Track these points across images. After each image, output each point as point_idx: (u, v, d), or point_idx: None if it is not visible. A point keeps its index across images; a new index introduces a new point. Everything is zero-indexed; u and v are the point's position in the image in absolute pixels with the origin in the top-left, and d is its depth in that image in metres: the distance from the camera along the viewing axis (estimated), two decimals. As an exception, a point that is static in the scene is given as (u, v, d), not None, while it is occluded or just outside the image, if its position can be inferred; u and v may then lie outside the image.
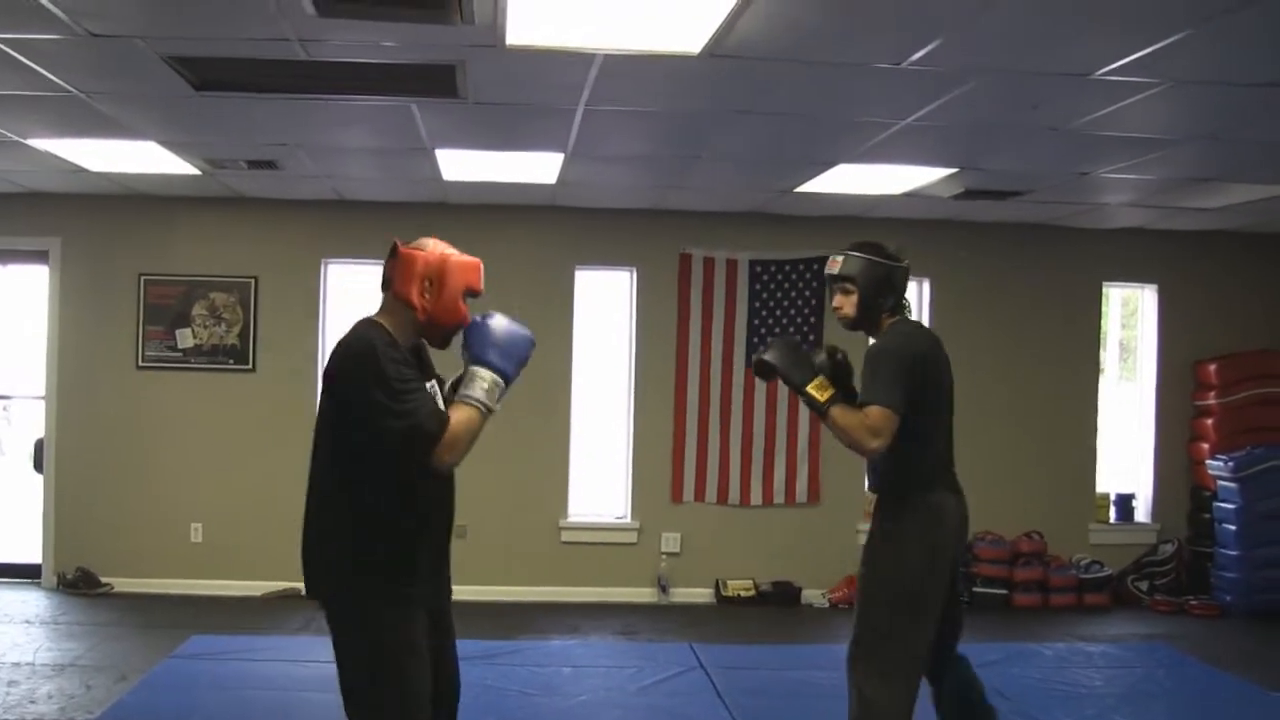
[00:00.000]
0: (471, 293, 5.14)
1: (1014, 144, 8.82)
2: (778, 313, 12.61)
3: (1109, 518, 13.43)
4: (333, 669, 8.14)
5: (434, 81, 7.24)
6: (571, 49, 6.46)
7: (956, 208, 11.71)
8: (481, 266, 5.22)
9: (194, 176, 10.77)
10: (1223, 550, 12.32)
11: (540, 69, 6.91)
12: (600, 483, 13.11)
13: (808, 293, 12.64)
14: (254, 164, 10.24)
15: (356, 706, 5.02)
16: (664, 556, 12.60)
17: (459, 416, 4.88)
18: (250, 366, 12.34)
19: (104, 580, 12.05)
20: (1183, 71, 6.68)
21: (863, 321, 6.28)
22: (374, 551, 4.97)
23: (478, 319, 5.11)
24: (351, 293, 12.65)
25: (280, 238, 12.42)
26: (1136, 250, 12.97)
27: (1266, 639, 11.45)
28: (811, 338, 12.55)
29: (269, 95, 7.76)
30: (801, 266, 12.61)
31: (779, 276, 12.62)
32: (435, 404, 4.97)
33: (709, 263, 12.59)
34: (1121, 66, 6.55)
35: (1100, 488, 13.34)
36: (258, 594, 12.13)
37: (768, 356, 6.16)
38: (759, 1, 5.55)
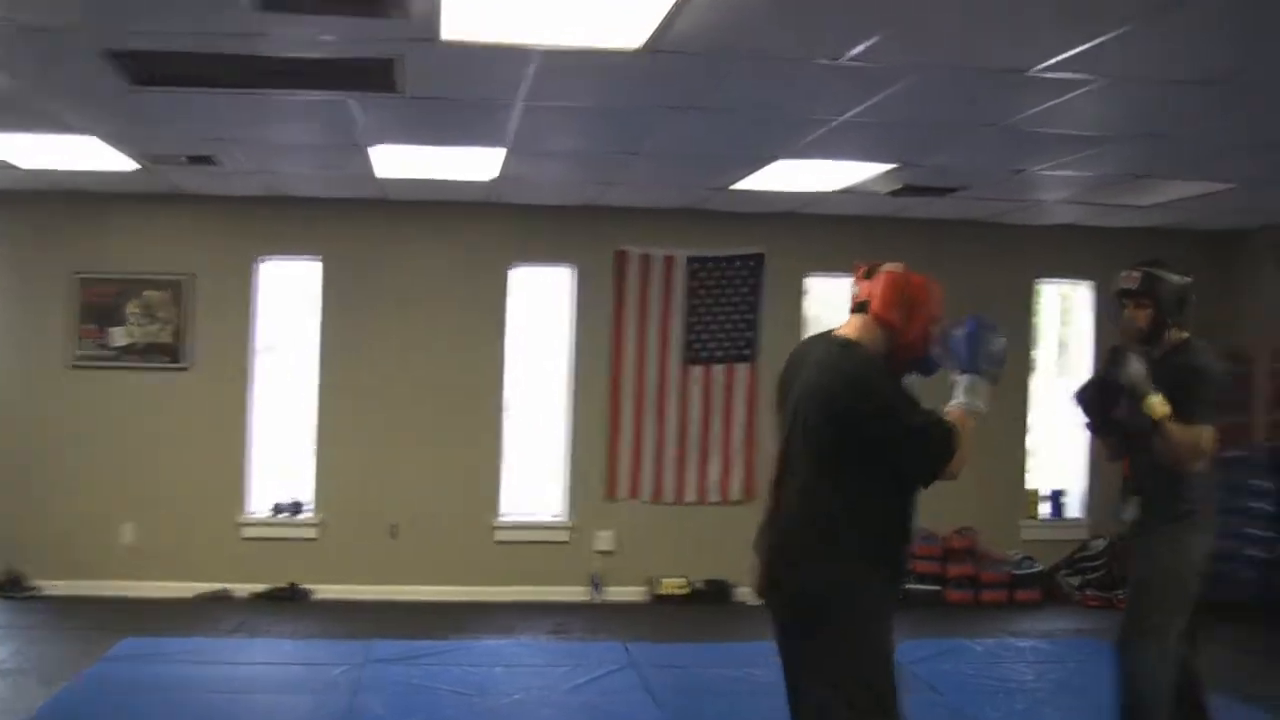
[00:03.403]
0: (934, 320, 5.31)
1: (951, 140, 8.84)
2: (714, 309, 12.62)
3: (1041, 514, 13.51)
4: (264, 670, 8.10)
5: (372, 76, 7.18)
6: (509, 44, 6.42)
7: (894, 204, 11.73)
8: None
9: (128, 173, 10.65)
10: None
11: (478, 64, 6.88)
12: (535, 481, 13.06)
13: (744, 289, 12.66)
14: (194, 159, 10.15)
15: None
16: (598, 555, 12.57)
17: (964, 425, 5.18)
18: (184, 365, 12.21)
19: (32, 583, 11.89)
20: (1119, 69, 6.70)
21: (1152, 335, 6.71)
22: (871, 553, 5.18)
23: (969, 324, 5.37)
24: (285, 290, 12.61)
25: (215, 235, 12.31)
26: (1072, 247, 13.02)
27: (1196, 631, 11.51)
28: (749, 334, 12.58)
29: (208, 90, 7.67)
30: (738, 263, 12.62)
31: (716, 273, 12.62)
32: (942, 418, 5.16)
33: (646, 260, 12.58)
34: (1058, 63, 6.56)
35: (1032, 484, 13.42)
36: (190, 595, 12.00)
37: (1127, 375, 6.49)
38: (699, -3, 5.54)
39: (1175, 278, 6.74)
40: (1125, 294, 6.76)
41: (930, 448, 5.06)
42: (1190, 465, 6.48)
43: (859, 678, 5.13)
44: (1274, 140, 8.54)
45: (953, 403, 5.23)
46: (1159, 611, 6.66)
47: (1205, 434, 6.44)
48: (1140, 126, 8.32)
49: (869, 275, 5.24)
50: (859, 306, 5.24)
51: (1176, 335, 6.75)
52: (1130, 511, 7.00)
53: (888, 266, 5.23)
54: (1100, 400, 6.84)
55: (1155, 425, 6.40)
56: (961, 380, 5.29)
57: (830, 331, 5.37)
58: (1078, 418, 7.16)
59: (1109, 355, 6.82)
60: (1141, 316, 6.71)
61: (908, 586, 5.62)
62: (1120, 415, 6.71)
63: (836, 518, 5.10)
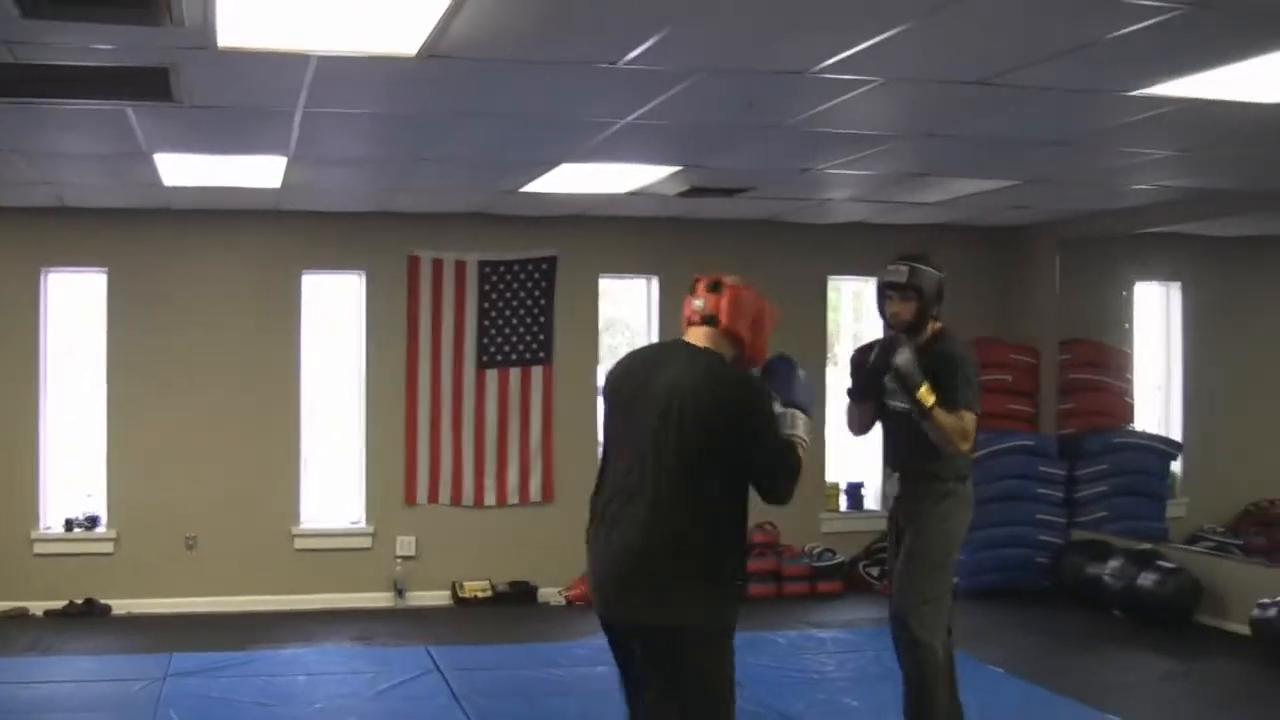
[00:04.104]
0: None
1: (735, 141, 8.93)
2: (507, 313, 12.67)
3: (839, 506, 13.72)
4: (62, 688, 7.95)
5: (148, 85, 7.05)
6: (285, 51, 6.36)
7: (683, 205, 11.83)
8: None
9: (-100, 183, 10.37)
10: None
11: (255, 71, 6.79)
12: (334, 488, 12.97)
13: (537, 292, 12.72)
14: (-36, 170, 9.89)
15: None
16: (399, 560, 12.53)
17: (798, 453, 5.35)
18: (-34, 378, 11.94)
19: None
20: (895, 69, 6.81)
21: (916, 326, 7.06)
22: (733, 573, 5.30)
23: (784, 364, 5.57)
24: (73, 303, 12.39)
25: (-3, 246, 12.02)
26: (861, 244, 13.18)
27: (991, 617, 11.78)
28: (542, 337, 12.64)
29: (-24, 99, 7.51)
30: (530, 266, 12.69)
31: (508, 277, 12.67)
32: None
33: (438, 264, 12.58)
34: (837, 63, 6.63)
35: (831, 477, 13.59)
36: (-19, 614, 11.74)
37: (900, 362, 6.75)
38: (472, 2, 5.54)
39: (935, 271, 7.09)
40: (892, 286, 7.10)
41: (794, 467, 5.24)
42: (958, 448, 6.85)
43: (715, 698, 5.24)
44: (1050, 139, 8.78)
45: (784, 431, 5.37)
46: (934, 587, 7.08)
47: (969, 418, 6.87)
48: (920, 126, 8.47)
49: (713, 289, 5.38)
50: (707, 319, 5.37)
51: (934, 325, 7.13)
52: (893, 487, 7.43)
53: (729, 280, 5.39)
54: (869, 380, 7.12)
55: (925, 412, 6.75)
56: (786, 413, 5.41)
57: (681, 341, 5.48)
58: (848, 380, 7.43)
59: (884, 344, 7.03)
60: (907, 309, 7.05)
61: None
62: (884, 398, 7.07)
63: (697, 537, 5.16)
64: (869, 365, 7.06)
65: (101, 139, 8.81)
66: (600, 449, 5.66)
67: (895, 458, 7.43)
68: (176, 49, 6.36)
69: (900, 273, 7.06)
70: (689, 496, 5.15)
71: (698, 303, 5.40)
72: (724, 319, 5.33)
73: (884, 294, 7.19)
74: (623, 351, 14.06)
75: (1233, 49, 6.29)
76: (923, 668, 7.05)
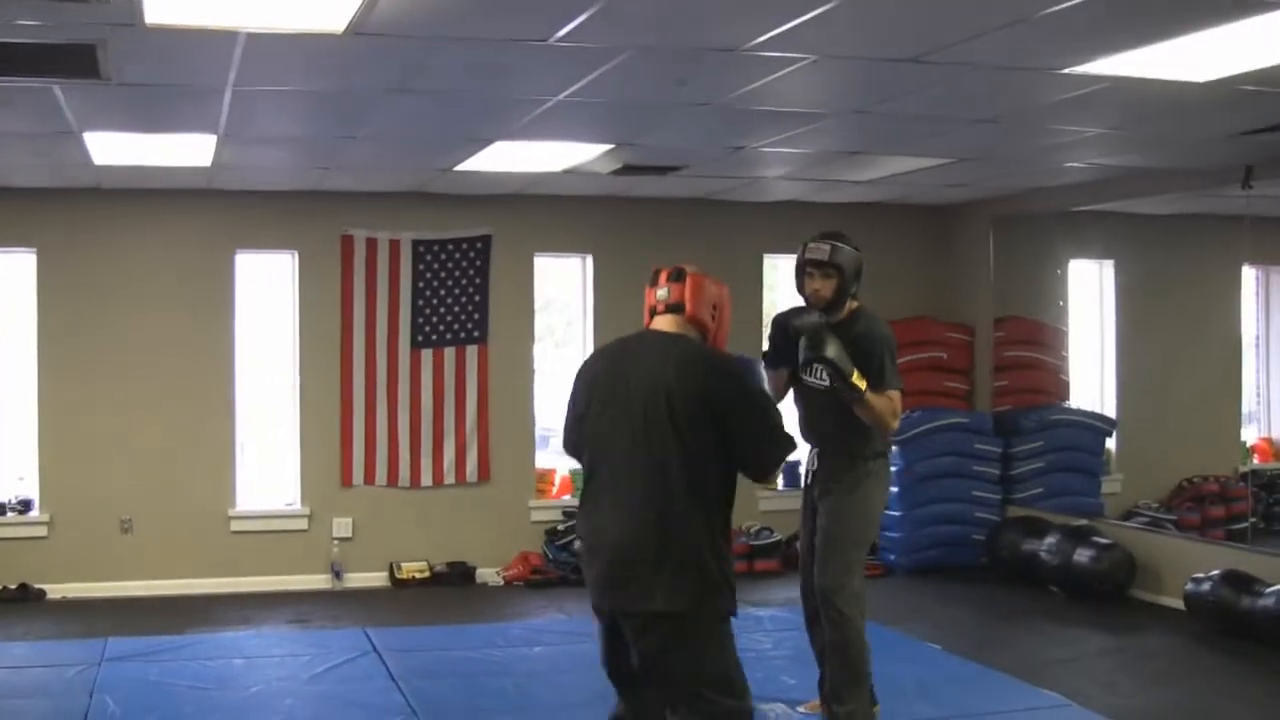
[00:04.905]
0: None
1: (668, 119, 8.91)
2: (441, 292, 12.65)
3: (777, 484, 13.71)
4: None
5: (75, 62, 6.97)
6: (213, 27, 6.30)
7: (617, 184, 11.83)
8: None
9: None
10: (886, 512, 12.66)
11: (183, 48, 6.75)
12: (269, 470, 12.94)
13: (471, 271, 12.70)
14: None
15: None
16: (336, 542, 12.49)
17: None
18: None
19: None
20: (827, 46, 6.80)
21: (836, 304, 7.16)
22: (725, 559, 5.31)
23: (747, 359, 5.72)
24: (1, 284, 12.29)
25: (-76, 227, 11.87)
26: (795, 222, 13.15)
27: (928, 594, 11.86)
28: (477, 316, 12.61)
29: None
30: (465, 245, 12.66)
31: (442, 256, 12.65)
32: None
33: (371, 244, 12.53)
34: (768, 40, 6.62)
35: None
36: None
37: (831, 354, 6.79)
38: (400, -23, 5.52)
39: (854, 250, 7.21)
40: (814, 264, 7.20)
41: (786, 445, 5.35)
42: (890, 427, 7.12)
43: (730, 670, 5.31)
44: (982, 116, 8.80)
45: None
46: (857, 564, 7.37)
47: (897, 397, 7.09)
48: (852, 103, 8.45)
49: (676, 278, 5.48)
50: (672, 308, 5.46)
51: (851, 304, 7.25)
52: (811, 463, 7.63)
53: (690, 268, 5.52)
54: (788, 346, 7.13)
55: (859, 398, 6.86)
56: None
57: (651, 331, 5.55)
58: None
59: (800, 313, 7.11)
60: (828, 287, 7.15)
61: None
62: (801, 374, 7.16)
63: (690, 527, 5.19)
64: (791, 329, 7.07)
65: (28, 117, 8.71)
66: (582, 452, 5.65)
67: (811, 435, 7.53)
68: (103, 25, 6.29)
69: (822, 250, 7.15)
70: (682, 486, 5.18)
71: (661, 292, 5.49)
72: (689, 306, 5.42)
73: (804, 271, 7.26)
74: (560, 331, 14.14)
75: (1163, 27, 6.30)
76: (850, 641, 7.23)
